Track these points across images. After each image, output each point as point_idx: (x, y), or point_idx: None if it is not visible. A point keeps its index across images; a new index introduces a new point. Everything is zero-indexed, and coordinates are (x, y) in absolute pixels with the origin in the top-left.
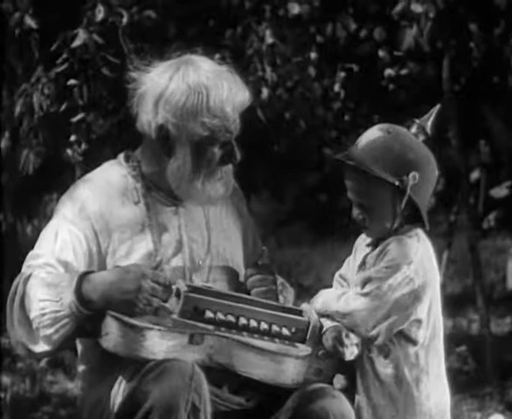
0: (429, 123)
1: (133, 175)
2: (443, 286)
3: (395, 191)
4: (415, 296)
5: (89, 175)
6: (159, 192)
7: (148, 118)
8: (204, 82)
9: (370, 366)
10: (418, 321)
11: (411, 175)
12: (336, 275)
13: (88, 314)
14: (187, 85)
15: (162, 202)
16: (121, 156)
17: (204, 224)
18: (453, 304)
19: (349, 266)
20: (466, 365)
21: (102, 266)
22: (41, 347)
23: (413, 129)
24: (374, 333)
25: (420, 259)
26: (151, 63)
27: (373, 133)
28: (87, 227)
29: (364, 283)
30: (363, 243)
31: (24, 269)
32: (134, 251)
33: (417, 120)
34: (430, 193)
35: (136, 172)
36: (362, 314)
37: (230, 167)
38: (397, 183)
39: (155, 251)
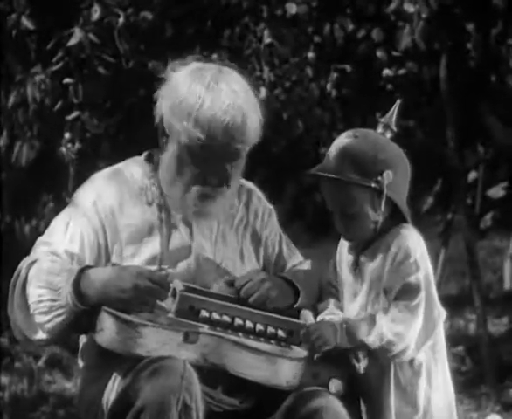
0: (393, 119)
1: (150, 175)
2: (440, 286)
3: (372, 193)
4: (430, 287)
5: (110, 169)
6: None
7: (158, 102)
8: (206, 94)
9: (394, 374)
10: (439, 315)
11: (385, 174)
12: (325, 281)
13: (83, 308)
14: (191, 87)
15: (174, 206)
16: (144, 155)
17: (216, 235)
18: (450, 304)
19: (335, 270)
20: (463, 365)
21: (108, 262)
22: (37, 335)
23: (379, 129)
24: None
25: (423, 245)
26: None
27: (341, 141)
28: (98, 221)
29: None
30: (346, 244)
31: (31, 254)
32: (141, 253)
33: (381, 120)
34: (406, 188)
35: (154, 173)
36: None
37: (246, 186)
38: (373, 185)
39: (162, 255)
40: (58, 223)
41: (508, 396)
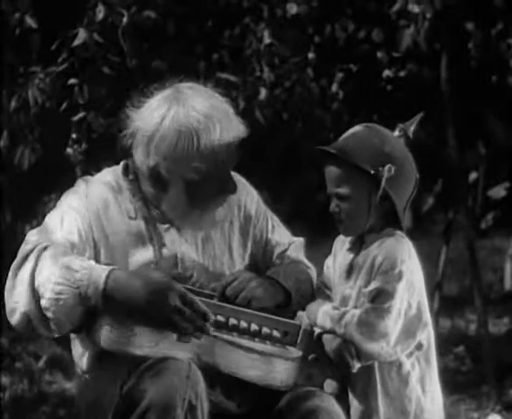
0: (412, 128)
1: (130, 188)
2: (441, 286)
3: (371, 182)
4: (419, 298)
5: (90, 178)
6: (155, 210)
7: (140, 158)
8: (195, 126)
9: (381, 382)
10: (425, 324)
11: (386, 167)
12: (318, 282)
13: (107, 310)
14: (177, 129)
15: (156, 218)
16: (121, 166)
17: (201, 238)
18: (451, 304)
19: (329, 271)
20: (463, 365)
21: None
22: (45, 330)
23: (396, 132)
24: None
25: (414, 257)
26: (145, 100)
27: (353, 129)
28: (88, 218)
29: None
30: (342, 247)
31: (30, 238)
32: (129, 263)
33: (400, 124)
34: (408, 193)
35: (133, 185)
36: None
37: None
38: (372, 172)
39: (156, 264)
40: (52, 218)
41: (508, 396)
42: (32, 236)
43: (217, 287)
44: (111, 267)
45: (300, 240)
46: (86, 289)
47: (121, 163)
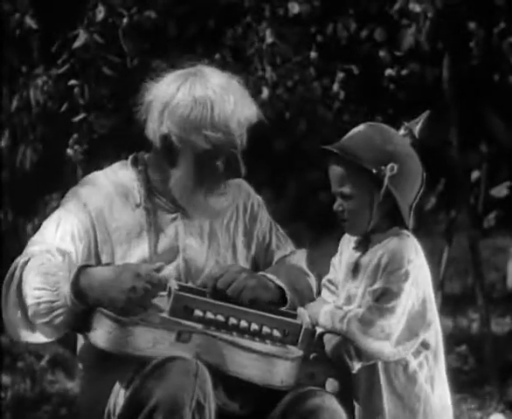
0: (417, 127)
1: (138, 178)
2: (443, 285)
3: (374, 181)
4: (423, 298)
5: (97, 174)
6: (162, 198)
7: (153, 126)
8: (210, 96)
9: (387, 381)
10: (429, 323)
11: (389, 166)
12: (324, 280)
13: (82, 308)
14: (192, 97)
15: (163, 208)
16: (130, 159)
17: (206, 234)
18: (454, 303)
19: (336, 269)
20: (466, 364)
21: (98, 263)
22: (34, 337)
23: (401, 131)
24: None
25: (421, 256)
26: (163, 75)
27: (357, 128)
28: (89, 222)
29: (379, 296)
30: (348, 245)
31: (24, 253)
32: (130, 255)
33: (406, 123)
34: (414, 192)
35: (142, 176)
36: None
37: (236, 181)
38: (374, 171)
39: (150, 259)
40: (49, 223)
41: (511, 396)
42: (27, 247)
43: (208, 282)
44: (84, 263)
45: (304, 250)
46: (62, 289)
47: (130, 156)
